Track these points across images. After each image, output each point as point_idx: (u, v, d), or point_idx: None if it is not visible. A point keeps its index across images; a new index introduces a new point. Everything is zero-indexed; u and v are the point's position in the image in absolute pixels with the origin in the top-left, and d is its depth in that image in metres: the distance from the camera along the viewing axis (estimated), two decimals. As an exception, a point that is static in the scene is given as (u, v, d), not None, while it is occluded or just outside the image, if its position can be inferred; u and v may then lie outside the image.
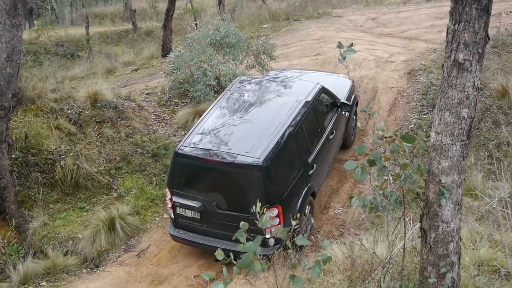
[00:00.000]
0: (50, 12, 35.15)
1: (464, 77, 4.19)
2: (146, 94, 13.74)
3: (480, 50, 4.18)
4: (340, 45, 4.33)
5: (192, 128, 9.05)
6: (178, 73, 13.12)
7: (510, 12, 16.22)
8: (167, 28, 19.88)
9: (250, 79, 10.87)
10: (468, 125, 4.28)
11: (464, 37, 4.15)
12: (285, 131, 8.60)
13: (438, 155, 4.33)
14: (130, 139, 11.49)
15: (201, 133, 8.79)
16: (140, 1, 46.59)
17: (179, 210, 8.68)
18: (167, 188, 8.82)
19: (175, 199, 8.63)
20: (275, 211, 7.98)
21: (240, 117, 9.13)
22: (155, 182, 10.90)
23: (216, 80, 12.85)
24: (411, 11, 22.18)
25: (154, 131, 12.06)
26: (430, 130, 4.37)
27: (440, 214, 4.41)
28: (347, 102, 10.79)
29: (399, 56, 15.22)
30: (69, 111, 11.40)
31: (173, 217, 8.84)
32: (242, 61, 13.70)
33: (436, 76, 12.92)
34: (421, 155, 8.94)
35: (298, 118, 8.96)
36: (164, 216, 10.25)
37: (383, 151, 4.17)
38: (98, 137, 11.28)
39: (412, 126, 11.65)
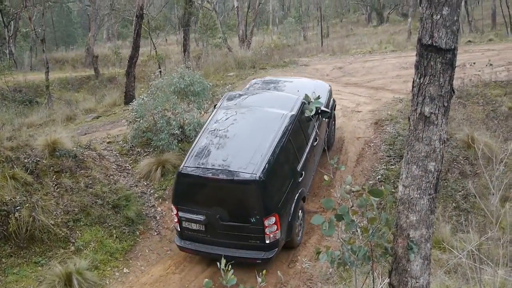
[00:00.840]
0: (8, 56, 34.95)
1: (430, 130, 4.29)
2: (108, 142, 13.63)
3: (445, 104, 4.30)
4: (307, 98, 4.41)
5: (192, 148, 9.96)
6: (141, 121, 13.10)
7: (474, 63, 16.80)
8: (130, 75, 19.94)
9: (238, 94, 11.92)
10: (435, 178, 4.36)
11: (429, 91, 4.27)
12: (276, 145, 9.67)
13: (406, 209, 4.39)
14: (90, 189, 11.32)
15: (200, 152, 9.74)
16: (102, 47, 46.85)
17: (185, 224, 9.63)
18: (172, 205, 9.73)
19: (181, 214, 9.57)
20: (273, 219, 9.05)
21: (234, 134, 10.16)
22: (115, 235, 10.70)
23: (180, 129, 12.87)
24: (377, 61, 22.78)
25: (115, 182, 11.91)
26: (398, 181, 4.44)
27: (409, 269, 4.44)
28: (326, 110, 11.85)
29: (366, 106, 15.53)
30: (26, 160, 11.20)
31: (179, 229, 9.78)
32: (207, 109, 13.79)
33: (402, 126, 13.19)
34: (389, 208, 9.03)
35: (286, 132, 10.07)
36: (124, 271, 10.04)
37: (350, 205, 4.21)
38: (56, 187, 11.07)
39: (379, 177, 11.80)
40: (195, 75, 13.78)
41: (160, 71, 21.15)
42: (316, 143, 11.45)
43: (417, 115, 4.34)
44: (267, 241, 9.12)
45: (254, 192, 9.01)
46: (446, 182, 11.39)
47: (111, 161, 12.73)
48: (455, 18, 4.15)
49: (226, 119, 10.62)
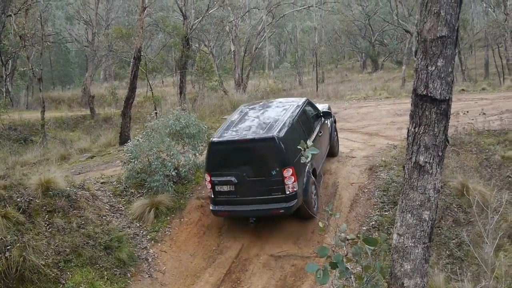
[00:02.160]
0: (4, 95, 35.11)
1: (425, 179, 4.32)
2: (101, 183, 13.60)
3: (440, 153, 4.35)
4: (302, 144, 4.45)
5: (218, 129, 12.38)
6: (135, 162, 13.10)
7: (467, 111, 16.97)
8: (126, 116, 20.04)
9: (251, 103, 14.71)
10: (429, 227, 4.37)
11: (424, 140, 4.32)
12: (287, 120, 11.90)
13: (401, 257, 4.39)
14: (82, 230, 11.23)
15: (226, 129, 12.03)
16: (99, 87, 47.19)
17: (217, 188, 11.48)
18: (205, 173, 11.66)
19: (213, 178, 11.43)
20: (290, 171, 10.98)
21: (253, 119, 12.57)
22: (106, 277, 10.56)
23: (175, 171, 12.86)
24: (371, 107, 22.99)
25: (107, 222, 11.83)
26: (392, 228, 4.45)
27: (403, 319, 4.40)
28: (328, 111, 14.73)
29: (360, 152, 15.59)
30: (18, 199, 11.14)
31: (212, 196, 11.59)
32: (202, 151, 13.81)
33: (396, 172, 13.22)
34: (383, 256, 9.00)
35: (294, 114, 12.37)
36: (114, 314, 9.89)
37: (345, 252, 4.20)
38: (48, 227, 10.99)
39: (373, 223, 11.77)
40: (190, 117, 13.85)
41: (156, 113, 21.21)
42: (321, 135, 13.58)
43: (412, 164, 4.38)
44: (287, 192, 10.99)
45: (273, 146, 10.99)
46: (440, 229, 11.37)
47: (104, 201, 12.68)
48: (450, 69, 4.24)
49: (246, 112, 13.07)
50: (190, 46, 32.33)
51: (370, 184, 13.30)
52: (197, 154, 13.63)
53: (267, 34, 45.01)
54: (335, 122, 15.77)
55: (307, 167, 11.78)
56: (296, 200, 11.10)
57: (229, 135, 11.69)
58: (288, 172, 10.94)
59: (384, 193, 12.73)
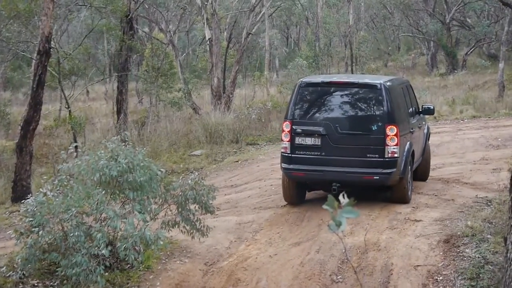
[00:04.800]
0: None
1: (543, 260, 4.30)
2: (-20, 270, 13.54)
3: None
4: (331, 204, 4.09)
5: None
6: (40, 233, 13.03)
7: None
8: (24, 152, 20.01)
9: None
10: None
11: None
12: (393, 80, 16.43)
13: None
14: None
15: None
16: (-23, 103, 47.16)
17: (298, 140, 14.99)
18: (286, 121, 15.20)
19: (295, 127, 14.93)
20: (394, 129, 14.39)
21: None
22: None
23: (109, 247, 12.78)
24: (447, 134, 23.10)
25: None
26: None
27: None
28: (429, 106, 18.40)
29: (429, 211, 15.56)
30: None
31: (288, 151, 15.13)
32: (156, 213, 13.75)
33: (493, 247, 13.16)
34: None
35: (398, 83, 16.87)
36: None
37: None
38: None
39: None
40: (136, 155, 13.83)
41: (77, 146, 21.23)
42: (420, 127, 17.66)
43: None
44: (387, 156, 14.41)
45: (379, 96, 14.63)
46: None
47: (-15, 303, 12.60)
48: None
49: None
50: (136, 32, 32.50)
51: (447, 267, 13.25)
52: (148, 218, 13.54)
53: (267, 10, 45.34)
54: (428, 136, 19.45)
55: (409, 142, 15.45)
56: (395, 169, 14.62)
57: (321, 79, 16.21)
58: (392, 131, 14.35)
59: (472, 283, 12.67)
